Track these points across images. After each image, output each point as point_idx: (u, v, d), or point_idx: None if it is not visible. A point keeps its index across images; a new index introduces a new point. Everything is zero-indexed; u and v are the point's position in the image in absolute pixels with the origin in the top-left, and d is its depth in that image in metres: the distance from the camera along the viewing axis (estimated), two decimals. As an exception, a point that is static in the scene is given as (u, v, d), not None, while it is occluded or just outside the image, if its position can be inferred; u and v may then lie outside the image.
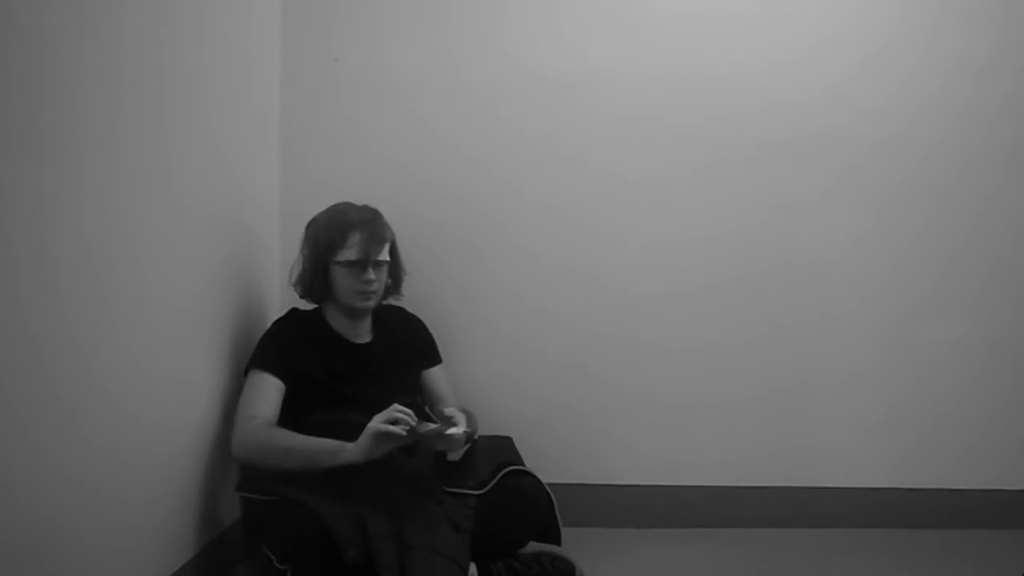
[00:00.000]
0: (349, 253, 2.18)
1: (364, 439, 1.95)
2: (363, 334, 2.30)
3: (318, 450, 1.99)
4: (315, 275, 2.22)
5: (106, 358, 1.65)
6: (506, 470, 2.16)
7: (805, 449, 2.70)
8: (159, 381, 1.89)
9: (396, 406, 1.98)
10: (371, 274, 2.19)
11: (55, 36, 1.46)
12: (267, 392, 2.11)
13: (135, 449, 1.78)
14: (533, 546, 2.16)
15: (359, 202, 2.25)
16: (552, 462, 2.41)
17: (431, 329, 2.44)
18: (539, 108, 2.62)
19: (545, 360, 2.67)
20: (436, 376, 2.42)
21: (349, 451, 1.96)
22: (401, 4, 2.63)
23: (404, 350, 2.34)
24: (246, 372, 2.17)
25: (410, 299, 2.38)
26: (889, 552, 2.51)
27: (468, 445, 2.16)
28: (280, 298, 2.55)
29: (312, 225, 2.25)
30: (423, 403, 2.38)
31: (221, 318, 2.21)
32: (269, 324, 2.27)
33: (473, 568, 2.00)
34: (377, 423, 1.95)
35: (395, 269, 2.31)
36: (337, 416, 2.12)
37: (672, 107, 2.63)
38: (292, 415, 2.15)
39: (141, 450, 1.81)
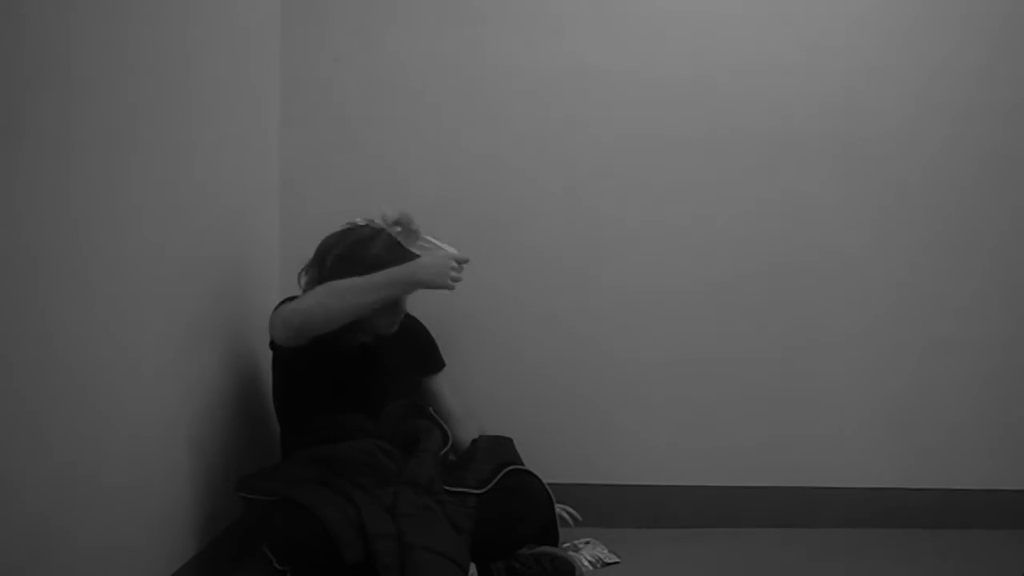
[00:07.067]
0: None
1: (432, 258, 2.05)
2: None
3: (386, 273, 2.02)
4: None
5: (107, 359, 1.65)
6: (507, 469, 2.16)
7: (805, 449, 2.69)
8: (159, 381, 1.89)
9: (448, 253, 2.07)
10: (404, 304, 2.21)
11: (52, 37, 1.45)
12: None
13: (134, 449, 1.78)
14: (532, 546, 2.16)
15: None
16: (552, 462, 2.41)
17: (432, 330, 2.43)
18: (544, 110, 2.62)
19: (546, 359, 2.66)
20: (439, 383, 2.42)
21: (415, 267, 2.04)
22: (403, 3, 2.62)
23: (404, 352, 2.33)
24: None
25: (412, 298, 2.37)
26: (889, 552, 2.51)
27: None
28: (279, 296, 2.55)
29: (337, 260, 2.11)
30: (423, 404, 2.38)
31: (221, 318, 2.21)
32: (269, 325, 2.25)
33: (473, 568, 2.00)
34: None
35: None
36: (335, 418, 2.13)
37: (673, 109, 2.62)
38: (292, 418, 2.14)
39: (140, 450, 1.81)
